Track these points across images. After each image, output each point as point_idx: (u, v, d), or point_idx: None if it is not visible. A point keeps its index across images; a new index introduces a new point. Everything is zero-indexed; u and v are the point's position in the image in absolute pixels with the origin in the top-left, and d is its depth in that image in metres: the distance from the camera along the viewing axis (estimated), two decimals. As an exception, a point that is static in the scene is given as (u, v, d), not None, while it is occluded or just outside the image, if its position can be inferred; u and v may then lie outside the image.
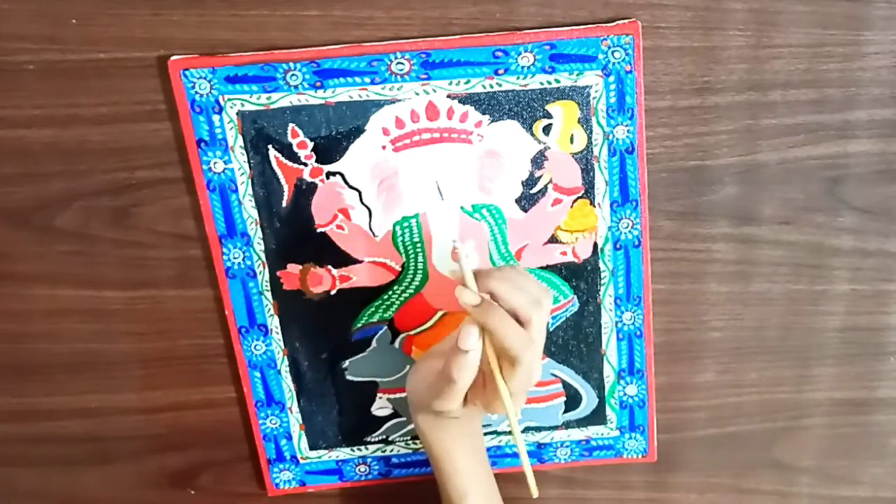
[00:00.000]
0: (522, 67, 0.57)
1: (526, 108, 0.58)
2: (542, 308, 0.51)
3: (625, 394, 0.66)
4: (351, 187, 0.60)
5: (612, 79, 0.57)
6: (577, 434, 0.68)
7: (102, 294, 0.64)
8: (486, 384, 0.53)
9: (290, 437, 0.68)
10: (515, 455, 0.69)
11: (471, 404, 0.54)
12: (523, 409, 0.67)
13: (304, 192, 0.60)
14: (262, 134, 0.59)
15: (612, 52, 0.56)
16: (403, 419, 0.67)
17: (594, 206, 0.61)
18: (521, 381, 0.51)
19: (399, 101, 0.58)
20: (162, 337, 0.65)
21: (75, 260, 0.63)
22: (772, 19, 0.56)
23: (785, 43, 0.57)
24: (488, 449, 0.68)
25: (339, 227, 0.61)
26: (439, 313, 0.64)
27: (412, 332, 0.64)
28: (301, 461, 0.69)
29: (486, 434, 0.68)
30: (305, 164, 0.59)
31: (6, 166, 0.60)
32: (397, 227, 0.61)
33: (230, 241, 0.61)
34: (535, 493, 0.54)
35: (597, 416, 0.67)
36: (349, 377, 0.66)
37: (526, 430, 0.68)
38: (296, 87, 0.57)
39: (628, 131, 0.59)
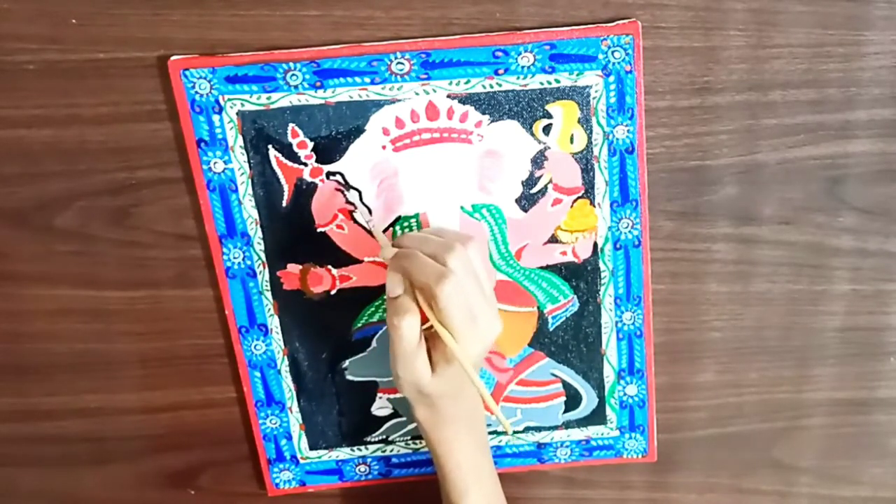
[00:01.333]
0: (522, 67, 0.57)
1: (526, 108, 0.58)
2: (454, 249, 0.52)
3: (625, 394, 0.66)
4: (351, 187, 0.60)
5: (612, 79, 0.57)
6: (577, 434, 0.68)
7: (102, 294, 0.64)
8: (438, 339, 0.54)
9: (290, 437, 0.68)
10: (515, 455, 0.69)
11: (439, 367, 0.54)
12: (523, 410, 0.67)
13: (304, 192, 0.60)
14: (262, 134, 0.59)
15: (612, 52, 0.56)
16: (403, 419, 0.67)
17: (594, 206, 0.61)
18: (449, 315, 0.51)
19: (399, 101, 0.58)
20: (162, 337, 0.65)
21: (75, 260, 0.63)
22: (772, 19, 0.56)
23: (785, 43, 0.57)
24: (488, 449, 0.68)
25: (339, 227, 0.61)
26: (439, 313, 0.64)
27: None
28: (301, 461, 0.69)
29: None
30: (305, 164, 0.59)
31: (6, 166, 0.60)
32: (397, 228, 0.61)
33: (230, 241, 0.61)
34: (509, 431, 0.57)
35: (597, 416, 0.67)
36: (349, 377, 0.66)
37: (526, 430, 0.68)
38: (296, 87, 0.57)
39: (628, 131, 0.59)
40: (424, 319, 0.54)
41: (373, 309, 0.64)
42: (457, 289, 0.51)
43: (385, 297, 0.63)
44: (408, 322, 0.53)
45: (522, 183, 0.60)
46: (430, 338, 0.55)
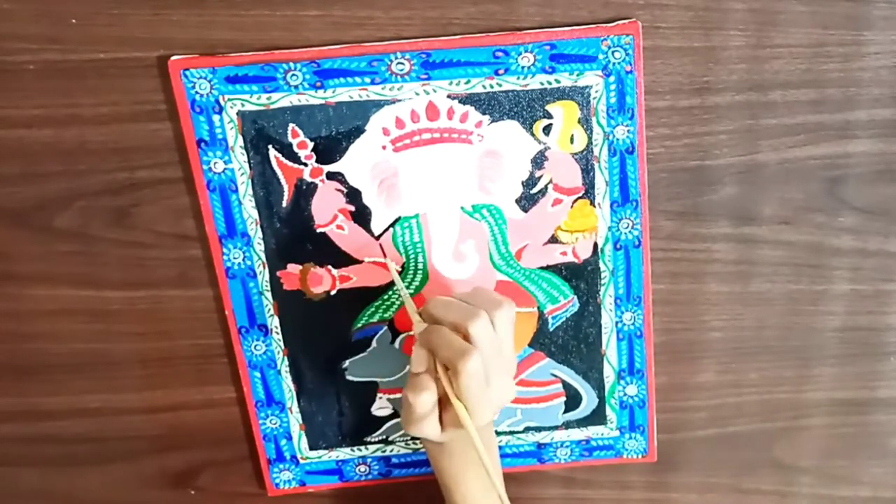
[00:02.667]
0: (522, 67, 0.57)
1: (526, 108, 0.58)
2: (477, 318, 0.52)
3: (625, 394, 0.66)
4: (351, 187, 0.60)
5: (612, 79, 0.57)
6: (577, 434, 0.68)
7: (102, 294, 0.64)
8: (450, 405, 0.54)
9: (290, 437, 0.68)
10: (515, 455, 0.69)
11: (447, 428, 0.55)
12: (523, 410, 0.67)
13: (305, 192, 0.60)
14: (262, 134, 0.59)
15: (613, 53, 0.56)
16: (403, 419, 0.67)
17: (594, 207, 0.61)
18: (465, 392, 0.52)
19: (399, 101, 0.58)
20: (162, 337, 0.65)
21: (75, 260, 0.63)
22: (772, 19, 0.56)
23: (785, 43, 0.57)
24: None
25: (339, 227, 0.61)
26: (439, 313, 0.64)
27: (412, 333, 0.64)
28: (301, 461, 0.69)
29: (486, 434, 0.68)
30: (305, 165, 0.59)
31: (6, 166, 0.60)
32: (397, 228, 0.61)
33: (230, 241, 0.61)
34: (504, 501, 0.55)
35: (597, 416, 0.67)
36: (349, 377, 0.66)
37: (526, 430, 0.68)
38: (296, 87, 0.57)
39: (628, 131, 0.59)
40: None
41: (373, 309, 0.64)
42: (477, 365, 0.51)
43: (382, 297, 0.63)
44: (424, 399, 0.53)
45: (522, 183, 0.60)
46: (442, 399, 0.55)
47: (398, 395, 0.67)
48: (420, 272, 0.62)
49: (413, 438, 0.68)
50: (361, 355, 0.65)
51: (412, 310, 0.56)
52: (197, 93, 0.57)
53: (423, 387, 0.53)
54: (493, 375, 0.53)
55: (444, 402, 0.55)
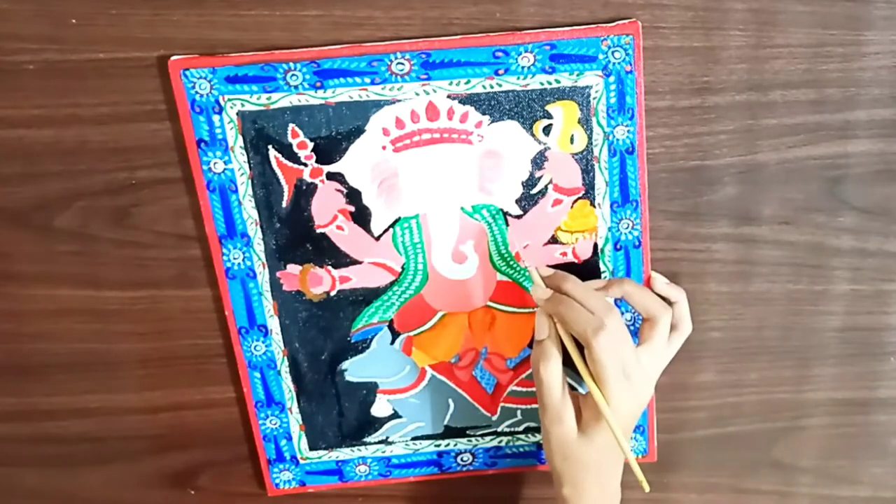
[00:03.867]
0: (522, 68, 0.57)
1: (526, 109, 0.58)
2: (610, 309, 0.54)
3: (625, 394, 0.66)
4: (351, 188, 0.60)
5: (612, 79, 0.57)
6: (577, 434, 0.68)
7: (102, 294, 0.64)
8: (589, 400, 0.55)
9: (290, 438, 0.68)
10: (515, 455, 0.69)
11: (588, 428, 0.55)
12: (523, 410, 0.67)
13: (304, 192, 0.60)
14: (262, 134, 0.59)
15: (613, 53, 0.56)
16: (403, 419, 0.67)
17: (594, 207, 0.61)
18: (600, 366, 0.52)
19: (399, 101, 0.58)
20: (162, 337, 0.65)
21: (75, 260, 0.63)
22: (772, 19, 0.56)
23: (785, 43, 0.57)
24: (487, 449, 0.68)
25: (339, 227, 0.61)
26: (439, 314, 0.64)
27: (412, 333, 0.64)
28: (301, 461, 0.69)
29: (485, 435, 0.68)
30: (305, 165, 0.59)
31: (6, 166, 0.60)
32: (397, 228, 0.61)
33: (230, 242, 0.61)
34: (646, 488, 0.56)
35: (597, 417, 0.67)
36: (349, 378, 0.66)
37: (526, 430, 0.68)
38: (296, 87, 0.57)
39: (628, 131, 0.59)
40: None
41: (372, 310, 0.64)
42: (613, 343, 0.52)
43: (382, 297, 0.63)
44: (551, 368, 0.54)
45: (522, 183, 0.60)
46: (579, 398, 0.56)
47: (398, 396, 0.67)
48: (420, 272, 0.62)
49: (413, 439, 0.68)
50: (361, 356, 0.65)
51: (537, 277, 0.58)
52: (197, 93, 0.57)
53: (549, 353, 0.55)
54: (631, 368, 0.54)
55: (580, 401, 0.56)
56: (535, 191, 0.60)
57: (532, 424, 0.68)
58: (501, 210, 0.61)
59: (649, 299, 0.58)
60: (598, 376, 0.53)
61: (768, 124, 0.59)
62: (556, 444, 0.56)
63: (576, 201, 0.61)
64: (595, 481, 0.57)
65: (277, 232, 0.61)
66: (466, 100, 0.58)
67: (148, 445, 0.69)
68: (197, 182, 0.60)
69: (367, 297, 0.63)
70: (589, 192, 0.60)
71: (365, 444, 0.68)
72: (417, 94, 0.57)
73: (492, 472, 0.69)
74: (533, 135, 0.59)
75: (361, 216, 0.61)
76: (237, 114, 0.58)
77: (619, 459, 0.58)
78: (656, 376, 0.59)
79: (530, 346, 0.65)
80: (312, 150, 0.59)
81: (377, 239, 0.61)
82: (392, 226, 0.61)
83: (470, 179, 0.60)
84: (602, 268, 0.62)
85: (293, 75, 0.57)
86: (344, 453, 0.69)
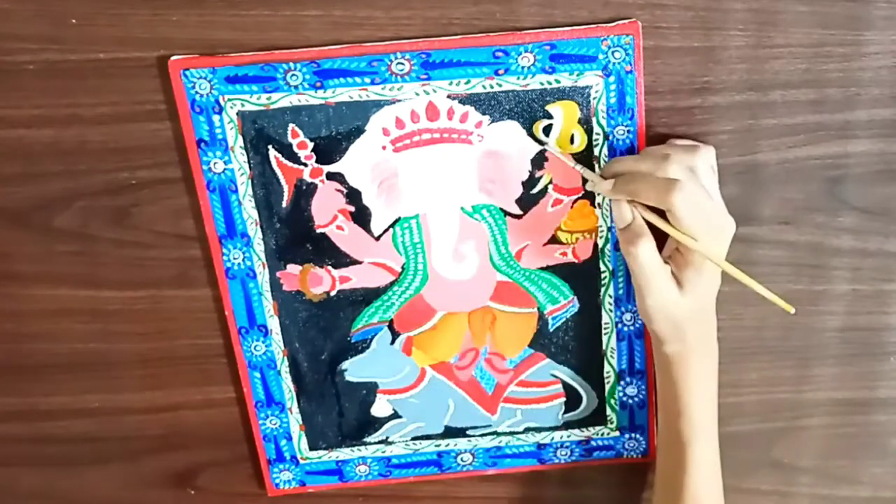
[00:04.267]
0: (522, 68, 0.57)
1: (526, 109, 0.58)
2: (669, 160, 0.53)
3: (625, 394, 0.66)
4: (351, 188, 0.60)
5: (612, 79, 0.57)
6: (577, 434, 0.68)
7: (102, 294, 0.64)
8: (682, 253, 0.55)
9: (290, 438, 0.68)
10: (515, 455, 0.69)
11: (687, 282, 0.55)
12: (523, 410, 0.67)
13: (304, 192, 0.60)
14: (262, 134, 0.59)
15: (613, 53, 0.56)
16: (403, 419, 0.67)
17: (594, 207, 0.61)
18: (685, 221, 0.52)
19: (399, 101, 0.58)
20: (162, 337, 0.65)
21: (75, 260, 0.63)
22: (772, 19, 0.56)
23: (785, 43, 0.57)
24: (487, 449, 0.68)
25: (339, 227, 0.61)
26: (439, 314, 0.64)
27: (412, 333, 0.64)
28: (301, 461, 0.69)
29: (485, 435, 0.68)
30: (305, 165, 0.59)
31: (6, 166, 0.60)
32: (397, 228, 0.61)
33: (230, 242, 0.61)
34: (790, 308, 0.55)
35: (597, 417, 0.67)
36: (349, 378, 0.66)
37: (526, 430, 0.68)
38: (296, 87, 0.57)
39: (628, 131, 0.59)
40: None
41: (372, 310, 0.64)
42: (688, 195, 0.52)
43: (382, 297, 0.63)
44: (645, 247, 0.54)
45: (522, 183, 0.60)
46: (671, 260, 0.55)
47: (398, 396, 0.67)
48: (420, 273, 0.62)
49: (413, 439, 0.68)
50: (361, 356, 0.65)
51: (588, 172, 0.57)
52: (197, 93, 0.57)
53: (640, 233, 0.54)
54: (709, 210, 0.53)
55: (672, 262, 0.55)
56: (535, 191, 0.60)
57: (532, 424, 0.68)
58: (501, 210, 0.61)
59: (646, 165, 0.55)
60: (684, 229, 0.53)
61: (768, 124, 0.59)
62: (661, 321, 0.57)
63: (576, 201, 0.61)
64: (699, 333, 0.58)
65: (277, 232, 0.61)
66: (466, 100, 0.58)
67: (148, 445, 0.69)
68: (197, 182, 0.60)
69: (367, 297, 0.63)
70: (589, 192, 0.60)
71: (365, 444, 0.68)
72: (417, 94, 0.57)
73: (492, 472, 0.69)
74: (533, 135, 0.59)
75: (361, 216, 0.61)
76: (237, 114, 0.58)
77: (713, 314, 0.59)
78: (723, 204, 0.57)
79: (530, 345, 0.65)
80: (312, 150, 0.59)
81: (377, 239, 0.61)
82: (392, 226, 0.61)
83: (470, 179, 0.60)
84: (602, 268, 0.62)
85: (293, 75, 0.57)
86: (344, 453, 0.69)
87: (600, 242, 0.62)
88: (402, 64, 0.57)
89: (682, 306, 0.56)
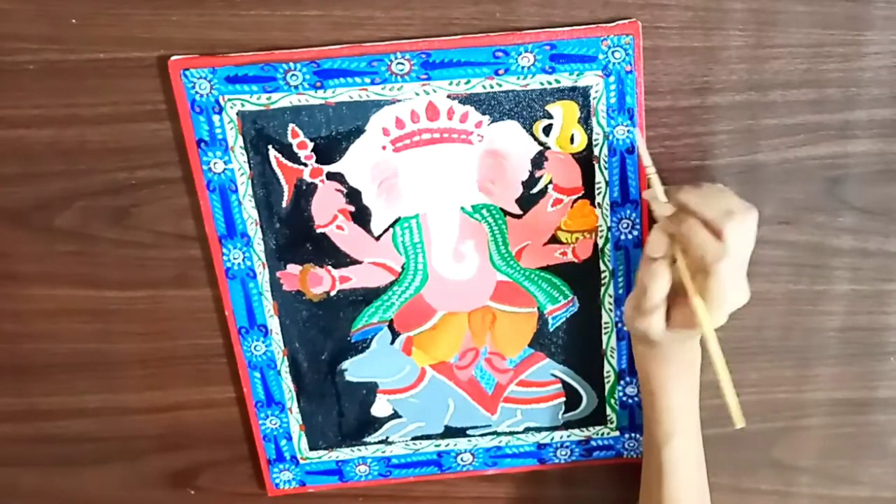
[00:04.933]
0: (522, 68, 0.57)
1: (526, 109, 0.58)
2: (734, 218, 0.50)
3: (625, 394, 0.66)
4: (351, 188, 0.60)
5: (612, 79, 0.57)
6: (577, 434, 0.68)
7: (102, 294, 0.64)
8: (685, 302, 0.53)
9: (290, 438, 0.68)
10: (515, 455, 0.69)
11: (674, 326, 0.54)
12: (523, 410, 0.67)
13: (304, 192, 0.60)
14: (262, 134, 0.59)
15: (613, 53, 0.56)
16: (403, 419, 0.67)
17: (594, 207, 0.61)
18: (715, 294, 0.51)
19: (399, 101, 0.58)
20: (162, 337, 0.65)
21: (75, 260, 0.63)
22: (772, 19, 0.56)
23: (785, 43, 0.57)
24: (487, 449, 0.68)
25: (339, 227, 0.61)
26: (439, 314, 0.64)
27: (412, 333, 0.64)
28: (301, 461, 0.69)
29: (485, 435, 0.68)
30: (305, 165, 0.59)
31: (6, 166, 0.60)
32: (397, 228, 0.61)
33: (230, 242, 0.61)
34: (739, 422, 0.54)
35: (597, 416, 0.67)
36: (349, 378, 0.66)
37: (526, 430, 0.68)
38: (296, 87, 0.57)
39: (628, 131, 0.59)
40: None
41: (373, 310, 0.64)
42: (731, 268, 0.51)
43: (382, 297, 0.63)
44: (658, 286, 0.53)
45: (522, 183, 0.60)
46: (673, 296, 0.54)
47: (398, 396, 0.67)
48: (420, 272, 0.62)
49: (413, 439, 0.68)
50: (361, 356, 0.65)
51: (659, 188, 0.54)
52: (197, 93, 0.57)
53: (661, 273, 0.52)
54: (736, 279, 0.52)
55: (672, 300, 0.54)
56: (535, 191, 0.60)
57: (532, 424, 0.68)
58: (501, 210, 0.61)
59: (712, 211, 0.51)
60: (707, 297, 0.51)
61: (768, 124, 0.59)
62: (637, 332, 0.56)
63: (576, 201, 0.61)
64: (682, 368, 0.58)
65: (277, 232, 0.61)
66: (466, 100, 0.58)
67: (148, 445, 0.69)
68: (197, 182, 0.60)
69: (367, 296, 0.63)
70: (589, 192, 0.60)
71: (365, 444, 0.68)
72: (417, 94, 0.57)
73: (492, 472, 0.69)
74: (533, 135, 0.59)
75: (361, 216, 0.61)
76: (237, 114, 0.58)
77: (699, 346, 0.58)
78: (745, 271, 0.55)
79: (530, 345, 0.65)
80: (312, 150, 0.59)
81: (377, 239, 0.61)
82: (392, 226, 0.61)
83: (470, 179, 0.60)
84: (602, 267, 0.62)
85: (293, 75, 0.57)
86: (344, 453, 0.69)
87: (600, 242, 0.62)
88: (402, 64, 0.57)
89: (661, 337, 0.55)
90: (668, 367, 0.58)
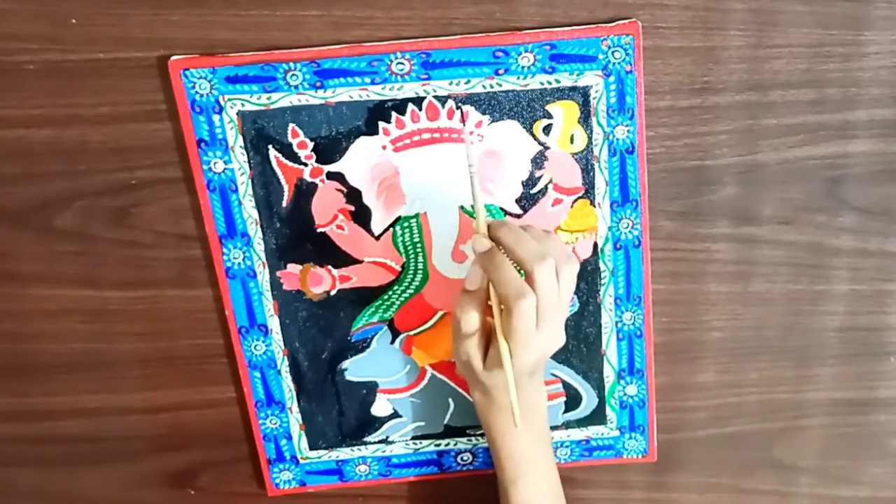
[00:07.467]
0: (522, 67, 0.57)
1: (526, 108, 0.58)
2: (545, 263, 0.52)
3: (625, 394, 0.66)
4: (351, 187, 0.60)
5: (612, 79, 0.57)
6: (577, 434, 0.68)
7: (102, 294, 0.64)
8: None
9: (290, 437, 0.68)
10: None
11: (489, 366, 0.55)
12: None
13: (305, 192, 0.60)
14: (262, 134, 0.59)
15: (613, 52, 0.56)
16: (403, 419, 0.67)
17: (594, 206, 0.61)
18: (515, 333, 0.52)
19: (399, 101, 0.58)
20: (162, 337, 0.65)
21: (75, 260, 0.63)
22: (772, 19, 0.56)
23: (785, 43, 0.57)
24: (487, 450, 0.68)
25: (339, 227, 0.61)
26: (439, 313, 0.64)
27: (412, 333, 0.64)
28: (301, 461, 0.69)
29: (483, 434, 0.68)
30: (305, 164, 0.59)
31: (6, 166, 0.60)
32: (397, 228, 0.61)
33: (230, 241, 0.61)
34: (518, 424, 0.54)
35: (597, 416, 0.67)
36: (349, 377, 0.66)
37: (526, 430, 0.68)
38: (296, 87, 0.57)
39: (628, 131, 0.59)
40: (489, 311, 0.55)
41: (373, 309, 0.64)
42: (531, 308, 0.52)
43: (382, 297, 0.63)
44: (468, 318, 0.54)
45: (522, 183, 0.60)
46: (492, 335, 0.55)
47: (398, 396, 0.67)
48: (420, 272, 0.62)
49: (413, 438, 0.68)
50: (361, 355, 0.65)
51: (482, 221, 0.54)
52: (197, 93, 0.57)
53: (470, 306, 0.54)
54: (546, 322, 0.53)
55: (491, 341, 0.55)
56: (535, 190, 0.60)
57: (532, 424, 0.68)
58: (502, 210, 0.61)
59: (523, 252, 0.53)
60: (508, 335, 0.53)
61: (768, 124, 0.59)
62: (464, 371, 0.58)
63: (576, 201, 0.61)
64: (501, 415, 0.58)
65: (277, 231, 0.61)
66: (466, 100, 0.58)
67: (148, 445, 0.69)
68: (197, 182, 0.60)
69: (368, 296, 0.63)
70: (589, 192, 0.60)
71: (365, 443, 0.68)
72: (417, 94, 0.57)
73: (492, 471, 0.69)
74: (533, 134, 0.59)
75: (361, 216, 0.61)
76: (237, 114, 0.58)
77: (540, 393, 0.59)
78: (564, 318, 0.57)
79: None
80: (312, 150, 0.59)
81: (377, 238, 0.61)
82: (392, 225, 0.61)
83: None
84: (602, 267, 0.62)
85: (293, 75, 0.57)
86: (344, 453, 0.69)
87: (600, 242, 0.62)
88: (402, 64, 0.57)
89: (483, 377, 0.56)
90: (504, 414, 0.57)
